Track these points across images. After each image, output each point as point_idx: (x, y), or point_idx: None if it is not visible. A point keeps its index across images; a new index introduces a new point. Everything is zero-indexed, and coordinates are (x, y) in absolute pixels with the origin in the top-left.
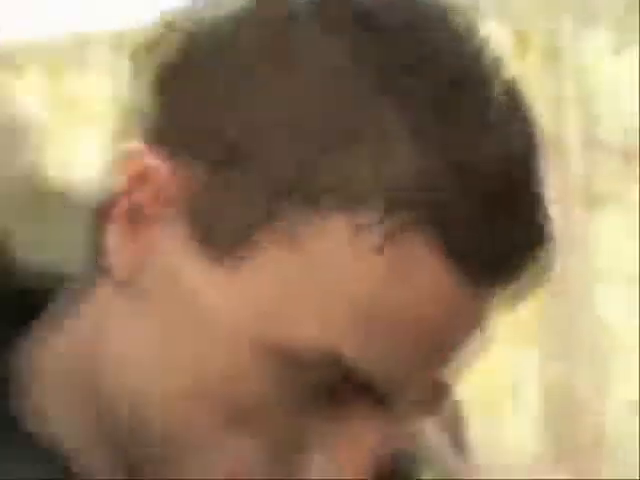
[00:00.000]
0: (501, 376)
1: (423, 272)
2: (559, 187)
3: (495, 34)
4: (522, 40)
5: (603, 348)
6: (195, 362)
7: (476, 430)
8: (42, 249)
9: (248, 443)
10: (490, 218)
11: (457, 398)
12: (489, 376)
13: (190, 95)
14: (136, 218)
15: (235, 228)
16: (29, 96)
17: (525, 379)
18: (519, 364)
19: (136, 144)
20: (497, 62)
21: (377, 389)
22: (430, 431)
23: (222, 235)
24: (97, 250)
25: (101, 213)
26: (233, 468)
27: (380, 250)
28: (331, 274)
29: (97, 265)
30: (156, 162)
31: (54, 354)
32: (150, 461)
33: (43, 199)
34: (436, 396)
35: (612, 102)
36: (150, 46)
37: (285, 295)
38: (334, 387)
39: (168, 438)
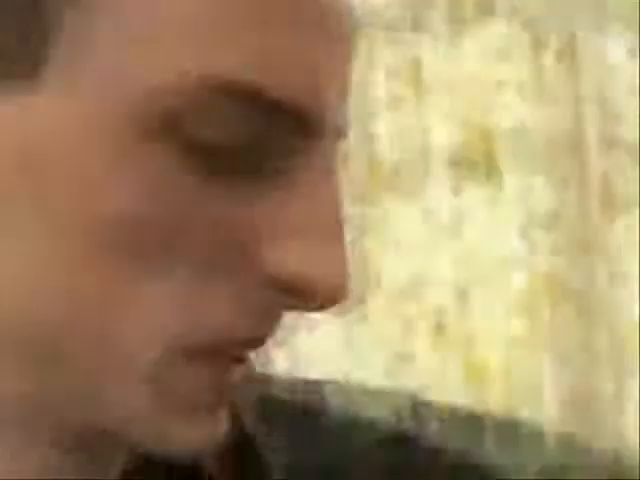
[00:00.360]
0: (518, 379)
1: None
2: (579, 188)
3: (510, 35)
4: (538, 41)
5: (623, 349)
6: (81, 213)
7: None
8: None
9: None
10: None
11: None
12: (507, 379)
13: None
14: None
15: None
16: None
17: (542, 382)
18: (536, 366)
19: None
20: None
21: (295, 120)
22: None
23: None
24: None
25: None
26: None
27: None
28: None
29: None
30: None
31: None
32: (85, 398)
33: None
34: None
35: (631, 102)
36: None
37: (124, 49)
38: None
39: (91, 347)
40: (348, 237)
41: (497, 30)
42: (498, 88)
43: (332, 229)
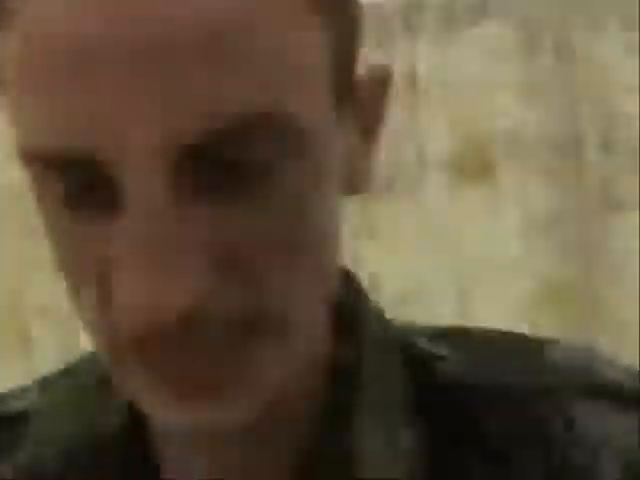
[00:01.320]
0: None
1: None
2: (577, 190)
3: (503, 36)
4: (532, 42)
5: (622, 349)
6: None
7: None
8: None
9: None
10: None
11: None
12: None
13: None
14: None
15: None
16: None
17: None
18: None
19: None
20: None
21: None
22: None
23: None
24: None
25: None
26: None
27: None
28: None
29: None
30: None
31: None
32: None
33: None
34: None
35: (629, 102)
36: None
37: None
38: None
39: None
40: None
41: (490, 31)
42: (493, 90)
43: (136, 258)
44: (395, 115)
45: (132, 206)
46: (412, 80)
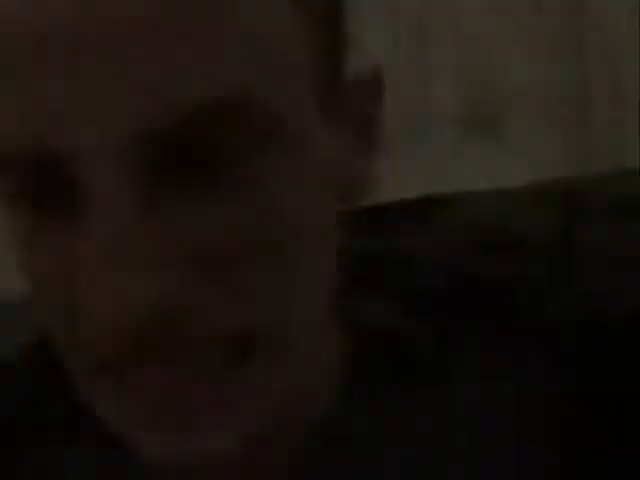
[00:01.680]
0: None
1: None
2: (586, 146)
3: None
4: None
5: None
6: None
7: None
8: None
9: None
10: None
11: None
12: None
13: None
14: None
15: None
16: None
17: None
18: None
19: None
20: None
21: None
22: None
23: None
24: None
25: None
26: None
27: None
28: None
29: None
30: None
31: None
32: None
33: None
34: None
35: (637, 58)
36: None
37: None
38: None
39: None
40: None
41: None
42: (502, 43)
43: (103, 260)
44: (402, 67)
45: (97, 207)
46: (419, 32)
